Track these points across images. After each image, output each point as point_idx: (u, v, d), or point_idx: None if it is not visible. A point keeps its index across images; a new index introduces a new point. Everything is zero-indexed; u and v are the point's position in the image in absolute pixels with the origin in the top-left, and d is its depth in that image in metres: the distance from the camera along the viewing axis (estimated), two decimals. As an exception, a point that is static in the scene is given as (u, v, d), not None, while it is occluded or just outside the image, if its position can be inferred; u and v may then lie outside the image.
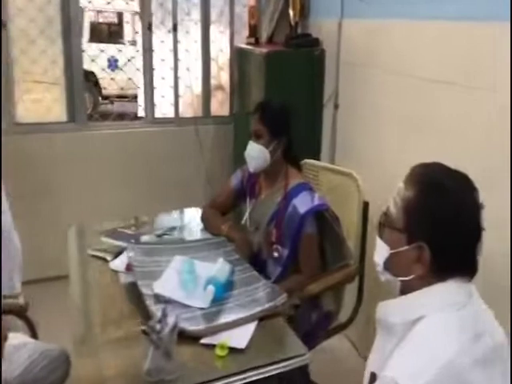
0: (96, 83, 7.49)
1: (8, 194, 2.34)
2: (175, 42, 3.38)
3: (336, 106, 2.92)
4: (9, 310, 1.92)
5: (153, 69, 3.44)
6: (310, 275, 2.01)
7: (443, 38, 2.07)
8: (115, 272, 1.89)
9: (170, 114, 3.55)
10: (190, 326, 1.52)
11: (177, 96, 3.49)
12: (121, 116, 4.47)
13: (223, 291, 1.70)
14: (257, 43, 3.19)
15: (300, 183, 2.06)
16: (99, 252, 2.02)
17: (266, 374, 1.40)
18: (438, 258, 1.06)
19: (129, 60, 4.90)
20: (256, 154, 2.04)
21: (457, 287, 1.07)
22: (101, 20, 8.73)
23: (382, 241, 1.15)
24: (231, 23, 3.49)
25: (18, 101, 3.27)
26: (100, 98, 7.80)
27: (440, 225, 1.05)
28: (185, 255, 1.90)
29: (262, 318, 1.62)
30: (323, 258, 2.12)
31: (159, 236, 2.13)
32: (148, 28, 3.31)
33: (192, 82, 3.56)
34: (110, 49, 7.01)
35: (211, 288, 1.66)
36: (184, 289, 1.71)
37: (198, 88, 3.59)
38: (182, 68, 3.48)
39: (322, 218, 2.02)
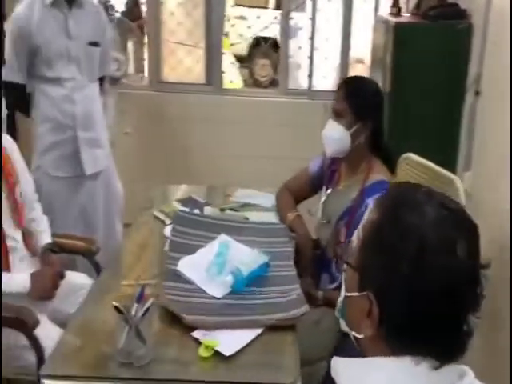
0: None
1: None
2: (314, 9, 3.17)
3: (477, 93, 2.43)
4: (79, 251, 2.09)
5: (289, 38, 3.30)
6: None
7: None
8: (166, 238, 1.88)
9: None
10: (189, 315, 1.44)
11: (311, 67, 3.30)
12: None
13: (243, 284, 1.57)
14: (398, 13, 2.80)
15: (380, 180, 1.75)
16: (161, 214, 2.05)
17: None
18: (387, 318, 0.76)
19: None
20: (334, 134, 1.78)
21: (414, 371, 0.74)
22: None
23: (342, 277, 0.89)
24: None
25: (164, 60, 3.47)
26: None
27: (390, 271, 0.75)
28: (232, 236, 1.81)
29: (272, 327, 1.45)
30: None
31: (222, 210, 2.06)
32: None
33: (330, 54, 3.32)
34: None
35: (229, 279, 1.55)
36: (207, 272, 1.63)
37: (336, 60, 3.34)
38: (320, 38, 3.27)
39: None
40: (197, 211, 2.04)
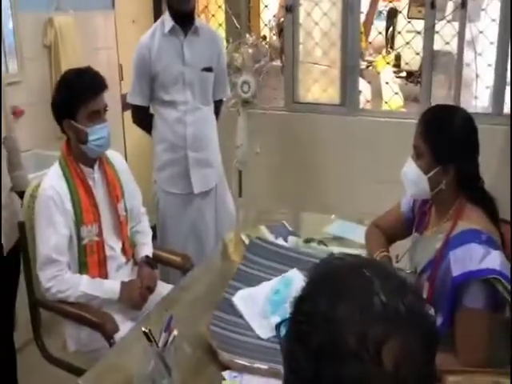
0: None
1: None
2: (462, 21, 2.80)
3: None
4: (174, 265, 2.17)
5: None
6: (467, 366, 1.40)
7: None
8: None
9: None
10: (226, 352, 1.35)
11: (458, 85, 2.92)
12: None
13: (292, 329, 1.42)
14: None
15: (470, 230, 1.42)
16: (246, 238, 2.00)
17: None
18: None
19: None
20: (410, 175, 1.53)
21: None
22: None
23: None
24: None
25: (300, 81, 3.45)
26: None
27: None
28: (305, 271, 1.66)
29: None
30: (501, 350, 1.45)
31: (307, 242, 1.92)
32: (431, 7, 2.85)
33: (481, 71, 2.90)
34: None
35: (275, 320, 1.42)
36: (262, 308, 1.52)
37: (488, 78, 2.90)
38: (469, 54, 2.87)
39: (492, 288, 1.37)
40: (280, 240, 1.94)
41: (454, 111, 1.53)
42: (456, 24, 2.92)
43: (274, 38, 8.68)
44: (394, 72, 5.87)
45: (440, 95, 4.62)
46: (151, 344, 1.28)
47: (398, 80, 5.16)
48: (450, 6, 5.83)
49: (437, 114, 1.54)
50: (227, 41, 3.91)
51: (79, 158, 1.91)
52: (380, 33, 5.13)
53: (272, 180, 3.48)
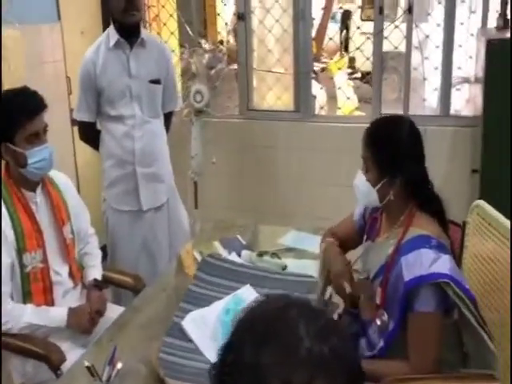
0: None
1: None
2: (409, 25, 2.83)
3: None
4: (125, 287, 2.11)
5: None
6: (419, 369, 1.42)
7: None
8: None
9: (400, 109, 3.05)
10: (173, 380, 1.31)
11: (407, 88, 2.95)
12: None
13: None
14: (505, 26, 2.36)
15: (420, 235, 1.44)
16: (199, 255, 1.96)
17: None
18: None
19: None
20: (360, 186, 1.55)
21: None
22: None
23: None
24: (485, 0, 2.67)
25: (255, 88, 3.43)
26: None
27: None
28: (258, 287, 1.64)
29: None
30: (451, 352, 1.48)
31: (260, 255, 1.89)
32: (379, 12, 2.88)
33: (429, 73, 2.94)
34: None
35: (225, 342, 1.39)
36: (212, 330, 1.48)
37: (436, 80, 2.95)
38: (417, 57, 2.92)
39: (442, 292, 1.38)
40: (233, 255, 1.91)
41: (398, 123, 1.54)
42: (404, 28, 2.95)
43: (232, 41, 8.64)
44: (349, 74, 5.92)
45: (392, 96, 4.69)
46: (95, 379, 1.23)
47: (352, 82, 5.20)
48: (400, 11, 5.97)
49: (380, 127, 1.55)
50: (182, 46, 3.87)
51: (20, 181, 1.83)
52: (331, 39, 5.14)
53: (229, 189, 3.45)
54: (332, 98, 4.31)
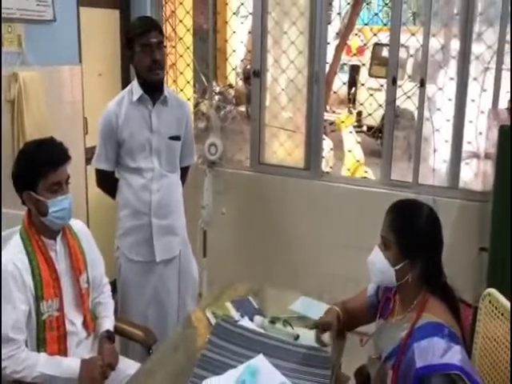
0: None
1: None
2: (421, 98, 2.95)
3: None
4: (136, 340, 2.12)
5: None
6: None
7: None
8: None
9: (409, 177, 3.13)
10: None
11: (417, 159, 3.05)
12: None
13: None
14: (514, 108, 2.47)
15: (433, 322, 1.48)
16: (212, 316, 1.98)
17: None
18: None
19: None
20: (377, 264, 1.59)
21: None
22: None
23: None
24: (496, 80, 2.79)
25: (266, 143, 3.51)
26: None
27: None
28: (272, 358, 1.66)
29: None
30: None
31: (272, 322, 1.90)
32: (392, 83, 3.00)
33: (439, 146, 3.04)
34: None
35: (242, 417, 1.40)
36: (228, 403, 1.50)
37: (445, 152, 3.04)
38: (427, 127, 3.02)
39: (452, 382, 1.40)
40: (246, 319, 1.92)
41: (421, 207, 1.59)
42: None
43: (240, 83, 8.84)
44: (355, 126, 6.07)
45: (397, 152, 4.80)
46: None
47: (359, 138, 5.34)
48: (409, 67, 6.17)
49: (404, 210, 1.60)
50: (194, 86, 3.97)
51: (41, 229, 1.87)
52: (335, 92, 5.27)
53: (237, 240, 3.49)
54: (337, 148, 4.41)
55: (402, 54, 3.18)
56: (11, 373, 1.73)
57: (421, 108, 2.98)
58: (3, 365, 1.72)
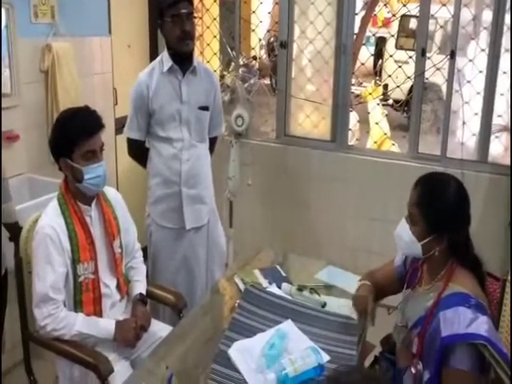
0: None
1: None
2: (451, 70, 2.90)
3: None
4: (167, 303, 2.19)
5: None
6: None
7: None
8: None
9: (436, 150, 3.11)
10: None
11: (446, 132, 3.03)
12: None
13: (289, 386, 1.47)
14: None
15: (460, 293, 1.50)
16: (240, 282, 2.05)
17: None
18: None
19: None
20: (404, 237, 1.60)
21: None
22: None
23: None
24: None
25: (292, 115, 3.52)
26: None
27: None
28: (300, 324, 1.72)
29: None
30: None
31: (300, 289, 1.96)
32: (421, 54, 2.95)
33: (468, 119, 3.00)
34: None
35: (272, 378, 1.47)
36: (258, 363, 1.56)
37: (475, 125, 3.01)
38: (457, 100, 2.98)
39: (478, 352, 1.42)
40: (273, 286, 1.98)
41: (448, 181, 1.58)
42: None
43: (264, 56, 8.79)
44: (381, 100, 6.00)
45: (424, 125, 4.74)
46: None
47: (385, 110, 5.28)
48: (434, 47, 5.97)
49: (431, 185, 1.59)
50: (220, 60, 3.98)
51: (76, 195, 1.93)
52: (363, 64, 5.17)
53: (262, 211, 3.54)
54: (363, 121, 4.39)
55: (431, 25, 3.11)
56: (51, 330, 1.82)
57: (450, 80, 2.94)
58: (44, 322, 1.81)
